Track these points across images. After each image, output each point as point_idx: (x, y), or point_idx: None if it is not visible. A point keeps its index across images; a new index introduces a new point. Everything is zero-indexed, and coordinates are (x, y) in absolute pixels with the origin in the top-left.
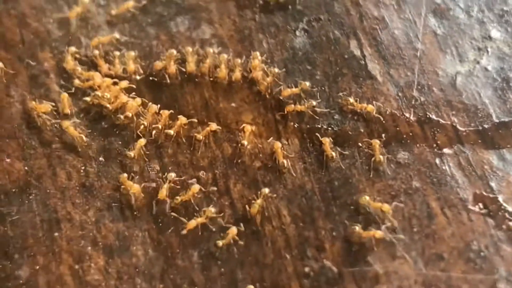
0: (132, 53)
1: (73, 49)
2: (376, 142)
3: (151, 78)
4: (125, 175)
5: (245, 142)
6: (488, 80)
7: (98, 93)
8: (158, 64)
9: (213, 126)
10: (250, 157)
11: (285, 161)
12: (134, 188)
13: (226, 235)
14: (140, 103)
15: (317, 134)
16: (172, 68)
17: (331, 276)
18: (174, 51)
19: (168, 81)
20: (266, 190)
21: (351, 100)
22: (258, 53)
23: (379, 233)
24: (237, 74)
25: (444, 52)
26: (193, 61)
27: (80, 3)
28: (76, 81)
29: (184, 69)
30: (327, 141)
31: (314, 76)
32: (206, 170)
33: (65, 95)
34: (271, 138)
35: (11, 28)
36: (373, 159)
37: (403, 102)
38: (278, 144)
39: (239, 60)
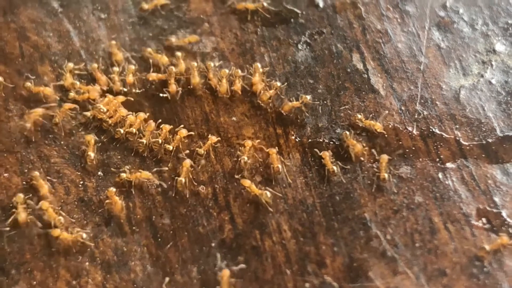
0: (132, 67)
1: (70, 65)
2: (384, 159)
3: (151, 92)
4: (114, 189)
5: (245, 158)
6: (492, 93)
7: (100, 105)
8: (152, 75)
9: (213, 138)
10: (250, 171)
11: (279, 166)
12: (118, 204)
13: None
14: (143, 118)
15: (318, 148)
16: (173, 86)
17: None
18: (174, 68)
19: (169, 95)
20: None
21: (360, 116)
22: (259, 65)
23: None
24: (238, 86)
25: (447, 65)
26: (197, 75)
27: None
28: (71, 94)
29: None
30: (327, 155)
31: (316, 89)
32: (206, 184)
33: (90, 137)
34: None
35: (11, 41)
36: (377, 175)
37: (406, 116)
38: (273, 150)
39: (239, 71)
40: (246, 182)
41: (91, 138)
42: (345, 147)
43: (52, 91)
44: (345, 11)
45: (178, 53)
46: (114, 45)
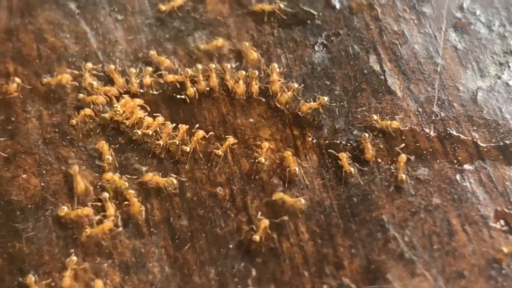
0: (149, 68)
1: (89, 65)
2: (402, 158)
3: (168, 93)
4: (132, 191)
5: (262, 160)
6: (510, 95)
7: (117, 106)
8: (169, 77)
9: (231, 139)
10: (268, 173)
11: (296, 169)
12: (137, 206)
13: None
14: (162, 122)
15: (335, 149)
16: (191, 90)
17: None
18: (189, 70)
19: (187, 98)
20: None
21: (375, 117)
22: (276, 65)
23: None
24: (255, 87)
25: (464, 67)
26: (215, 77)
27: None
28: (80, 95)
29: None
30: (344, 156)
31: (333, 91)
32: (223, 186)
33: (102, 143)
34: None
35: (28, 43)
36: (395, 175)
37: (423, 118)
38: (289, 152)
39: (256, 72)
40: (278, 195)
41: (103, 143)
42: (361, 148)
43: (70, 77)
44: (362, 13)
45: (199, 66)
46: (154, 54)
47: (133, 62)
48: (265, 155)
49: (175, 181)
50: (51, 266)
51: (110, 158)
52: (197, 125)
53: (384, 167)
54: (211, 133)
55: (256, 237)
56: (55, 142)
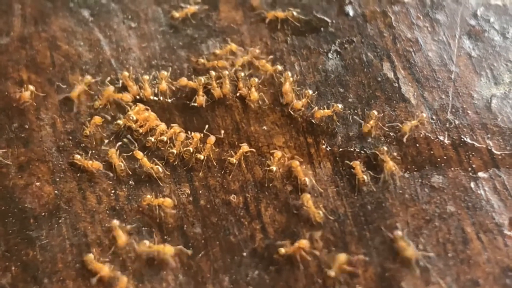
0: (165, 73)
1: (89, 78)
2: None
3: (182, 101)
4: (150, 196)
5: (274, 168)
6: None
7: (131, 113)
8: (183, 80)
9: (245, 147)
10: (281, 180)
11: (306, 179)
12: (167, 201)
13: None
14: (178, 131)
15: (349, 157)
16: (201, 98)
17: None
18: (202, 78)
19: (197, 104)
20: None
21: (376, 113)
22: (289, 73)
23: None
24: (253, 94)
25: (479, 74)
26: (229, 84)
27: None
28: (96, 103)
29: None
30: (357, 164)
31: (347, 99)
32: (237, 193)
33: (112, 151)
34: (303, 161)
35: (42, 50)
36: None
37: (437, 125)
38: (296, 163)
39: (256, 79)
40: (306, 196)
41: (113, 152)
42: (378, 159)
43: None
44: (375, 20)
45: (213, 72)
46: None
47: (147, 69)
48: (277, 163)
49: (160, 169)
50: (64, 274)
51: (122, 165)
52: (204, 128)
53: (398, 174)
54: (222, 131)
55: (282, 250)
56: (69, 149)
